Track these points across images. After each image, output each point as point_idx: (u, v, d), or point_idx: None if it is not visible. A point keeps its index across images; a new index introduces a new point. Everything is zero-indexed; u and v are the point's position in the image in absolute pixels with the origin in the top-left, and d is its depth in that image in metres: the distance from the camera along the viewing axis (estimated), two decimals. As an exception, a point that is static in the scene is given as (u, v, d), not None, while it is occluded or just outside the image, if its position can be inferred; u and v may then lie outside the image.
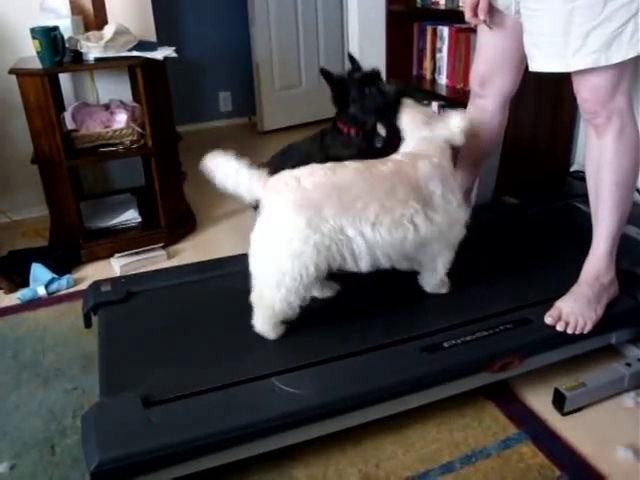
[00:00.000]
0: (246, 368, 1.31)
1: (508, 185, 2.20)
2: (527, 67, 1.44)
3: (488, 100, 1.69)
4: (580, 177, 2.18)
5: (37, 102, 2.05)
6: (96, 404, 1.24)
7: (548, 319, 1.44)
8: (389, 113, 1.58)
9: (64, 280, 2.06)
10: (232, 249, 1.92)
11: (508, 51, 1.57)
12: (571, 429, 1.35)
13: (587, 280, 1.47)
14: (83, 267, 2.20)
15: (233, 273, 1.66)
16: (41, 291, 2.00)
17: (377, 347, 1.37)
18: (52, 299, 1.99)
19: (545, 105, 2.27)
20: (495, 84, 1.65)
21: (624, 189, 1.40)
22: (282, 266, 1.29)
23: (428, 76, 2.82)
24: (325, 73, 1.75)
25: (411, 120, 1.52)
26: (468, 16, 1.51)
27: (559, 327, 1.42)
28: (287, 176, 1.32)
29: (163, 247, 2.26)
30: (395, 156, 1.47)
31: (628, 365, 1.42)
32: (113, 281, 1.75)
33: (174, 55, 2.20)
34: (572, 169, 2.43)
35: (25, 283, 2.06)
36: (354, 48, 2.84)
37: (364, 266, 1.36)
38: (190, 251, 2.31)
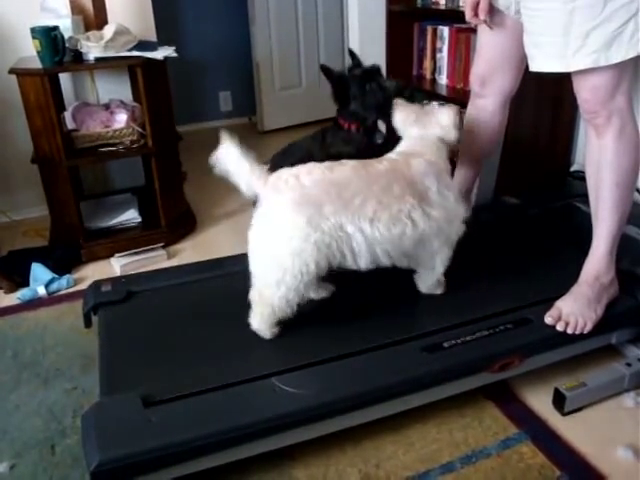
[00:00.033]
0: (246, 368, 1.31)
1: (508, 185, 2.20)
2: (527, 67, 1.44)
3: (488, 100, 1.69)
4: (580, 177, 2.18)
5: (37, 102, 2.05)
6: (96, 404, 1.24)
7: (548, 319, 1.44)
8: (390, 109, 1.58)
9: (64, 280, 2.06)
10: (232, 249, 1.92)
11: (508, 51, 1.57)
12: (571, 429, 1.35)
13: (587, 280, 1.47)
14: (83, 267, 2.20)
15: (233, 273, 1.66)
16: (41, 291, 2.00)
17: (377, 347, 1.37)
18: (52, 299, 1.99)
19: (545, 105, 2.27)
20: (495, 84, 1.65)
21: (624, 189, 1.40)
22: (282, 264, 1.29)
23: (428, 76, 2.83)
24: (325, 70, 1.75)
25: (404, 119, 1.52)
26: (468, 16, 1.51)
27: (559, 327, 1.42)
28: (286, 174, 1.33)
29: (163, 247, 2.26)
30: (390, 155, 1.48)
31: (628, 365, 1.42)
32: (113, 281, 1.75)
33: (174, 55, 2.20)
34: (572, 169, 2.43)
35: (25, 283, 2.06)
36: (354, 48, 2.84)
37: (363, 263, 1.36)
38: (190, 251, 2.31)
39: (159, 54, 2.13)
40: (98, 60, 2.08)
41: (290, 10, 3.67)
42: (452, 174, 1.83)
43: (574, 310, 1.43)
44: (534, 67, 1.40)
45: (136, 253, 2.17)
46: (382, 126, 1.82)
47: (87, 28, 2.20)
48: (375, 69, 1.76)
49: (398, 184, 1.36)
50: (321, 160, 1.39)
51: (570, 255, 1.68)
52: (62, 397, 1.51)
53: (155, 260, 2.18)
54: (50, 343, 1.74)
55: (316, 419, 1.23)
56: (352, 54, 1.84)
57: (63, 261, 2.16)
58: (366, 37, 2.85)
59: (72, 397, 1.51)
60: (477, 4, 1.48)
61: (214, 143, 1.32)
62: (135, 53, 2.11)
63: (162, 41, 2.38)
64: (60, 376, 1.59)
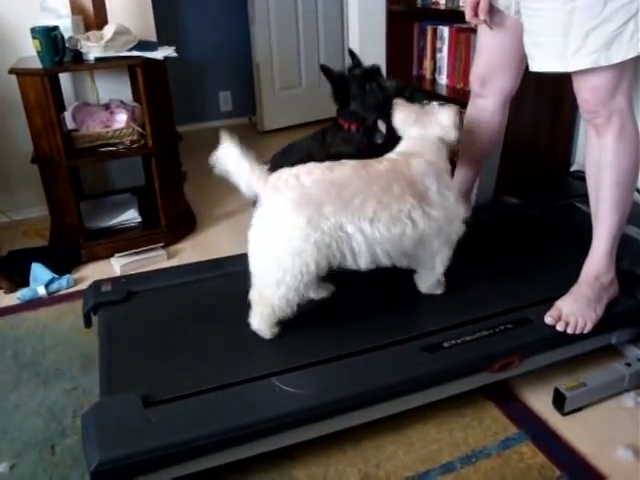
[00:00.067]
0: (246, 368, 1.31)
1: (508, 185, 2.20)
2: (527, 67, 1.45)
3: (488, 100, 1.69)
4: (580, 177, 2.18)
5: (37, 102, 2.05)
6: (96, 404, 1.24)
7: (548, 319, 1.44)
8: (390, 109, 1.58)
9: (64, 280, 2.06)
10: (232, 249, 1.92)
11: (508, 51, 1.57)
12: (571, 429, 1.35)
13: (587, 280, 1.47)
14: (83, 267, 2.20)
15: (233, 273, 1.66)
16: (41, 291, 2.00)
17: (377, 347, 1.37)
18: (52, 299, 1.99)
19: (545, 105, 2.27)
20: (495, 84, 1.65)
21: (624, 189, 1.40)
22: (282, 264, 1.29)
23: (428, 76, 2.82)
24: (325, 70, 1.75)
25: (404, 119, 1.52)
26: (468, 16, 1.51)
27: (559, 327, 1.42)
28: (286, 174, 1.33)
29: (163, 247, 2.26)
30: (390, 155, 1.48)
31: (628, 365, 1.42)
32: (113, 281, 1.75)
33: (174, 55, 2.20)
34: (572, 169, 2.43)
35: (25, 283, 2.06)
36: (355, 48, 2.84)
37: (363, 263, 1.36)
38: (190, 251, 2.31)
39: (159, 54, 2.13)
40: (98, 60, 2.08)
41: (290, 10, 3.67)
42: (452, 174, 1.84)
43: (574, 310, 1.43)
44: (534, 67, 1.40)
45: (136, 253, 2.17)
46: (382, 126, 1.82)
47: (87, 28, 2.20)
48: (375, 69, 1.76)
49: (398, 184, 1.36)
50: (321, 160, 1.39)
51: (570, 255, 1.68)
52: (62, 397, 1.51)
53: (155, 260, 2.18)
54: (50, 343, 1.74)
55: (316, 419, 1.23)
56: (352, 54, 1.84)
57: (63, 261, 2.16)
58: (366, 37, 2.85)
59: (72, 397, 1.51)
60: (477, 4, 1.48)
61: (214, 143, 1.32)
62: (135, 53, 2.11)
63: (162, 41, 2.38)
64: (60, 376, 1.59)
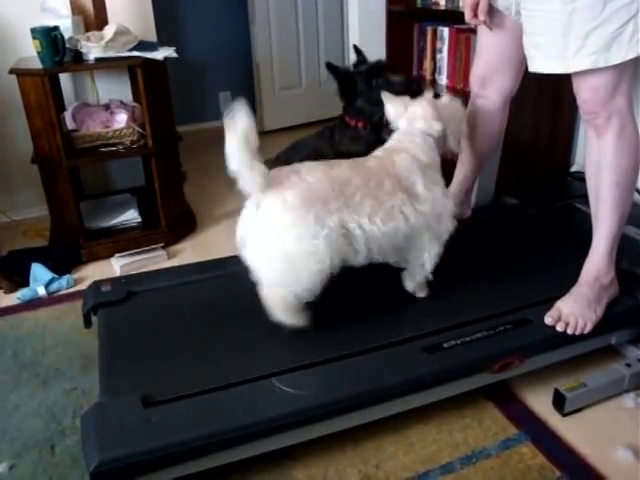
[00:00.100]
0: (246, 368, 1.31)
1: (508, 185, 2.20)
2: (527, 68, 1.44)
3: (488, 101, 1.69)
4: (580, 177, 2.17)
5: (37, 102, 2.05)
6: (96, 404, 1.24)
7: (548, 319, 1.44)
8: None
9: (64, 280, 2.06)
10: (232, 249, 1.91)
11: (508, 52, 1.57)
12: (571, 430, 1.35)
13: (587, 280, 1.47)
14: (83, 267, 2.20)
15: (233, 273, 1.65)
16: (41, 291, 2.00)
17: (377, 347, 1.37)
18: (52, 299, 1.99)
19: (545, 105, 2.27)
20: (495, 85, 1.65)
21: (624, 189, 1.40)
22: (297, 265, 1.27)
23: (428, 77, 2.82)
24: (331, 67, 1.74)
25: (395, 113, 1.52)
26: (468, 17, 1.51)
27: (559, 327, 1.42)
28: (288, 171, 1.32)
29: (163, 247, 2.26)
30: (376, 152, 1.48)
31: (628, 366, 1.43)
32: (113, 281, 1.75)
33: (174, 55, 2.20)
34: (572, 169, 2.43)
35: (25, 283, 2.06)
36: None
37: (361, 260, 1.37)
38: (190, 251, 2.31)
39: (159, 54, 2.13)
40: (98, 60, 2.08)
41: (290, 10, 3.67)
42: (452, 174, 1.84)
43: (574, 310, 1.43)
44: (534, 68, 1.40)
45: (136, 253, 2.17)
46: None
47: (87, 28, 2.20)
48: (381, 65, 1.75)
49: (389, 181, 1.37)
50: (330, 158, 1.38)
51: (570, 255, 1.68)
52: (62, 397, 1.51)
53: (155, 260, 2.18)
54: (50, 343, 1.74)
55: (316, 419, 1.23)
56: (357, 50, 1.83)
57: (63, 261, 2.16)
58: (366, 38, 2.85)
59: (72, 397, 1.51)
60: (477, 5, 1.48)
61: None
62: (135, 53, 2.11)
63: (162, 41, 2.39)
64: (60, 376, 1.59)
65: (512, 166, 2.19)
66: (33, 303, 1.97)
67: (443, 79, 2.72)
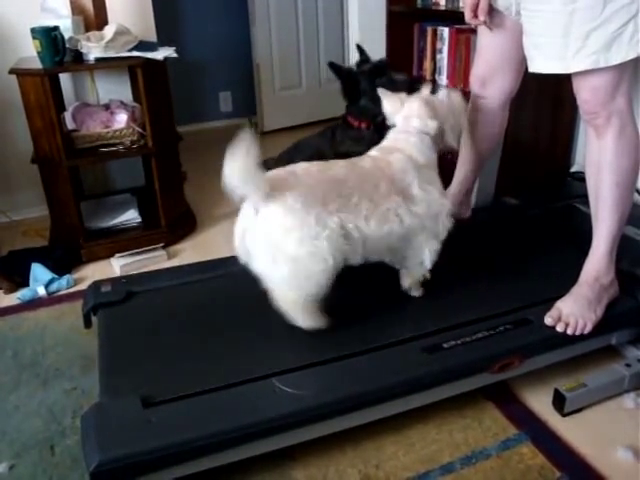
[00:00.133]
0: (246, 368, 1.31)
1: (508, 186, 2.20)
2: (527, 68, 1.44)
3: (488, 101, 1.69)
4: (580, 178, 2.17)
5: (37, 102, 2.05)
6: (96, 404, 1.24)
7: (548, 320, 1.44)
8: None
9: (64, 280, 2.06)
10: (232, 249, 1.92)
11: (508, 52, 1.57)
12: (571, 430, 1.35)
13: (587, 280, 1.47)
14: (83, 267, 2.20)
15: (233, 273, 1.65)
16: (41, 291, 2.00)
17: (377, 347, 1.37)
18: (52, 299, 1.99)
19: (545, 106, 2.27)
20: (495, 85, 1.65)
21: (624, 189, 1.40)
22: (303, 267, 1.27)
23: (428, 77, 2.82)
24: (334, 67, 1.74)
25: (392, 110, 1.51)
26: (468, 17, 1.51)
27: (559, 328, 1.42)
28: (285, 173, 1.32)
29: (163, 247, 2.26)
30: (371, 152, 1.47)
31: (628, 366, 1.43)
32: (113, 281, 1.75)
33: (174, 55, 2.20)
34: (572, 170, 2.43)
35: (25, 283, 2.06)
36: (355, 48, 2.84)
37: (358, 260, 1.37)
38: (190, 251, 2.31)
39: (159, 54, 2.13)
40: (98, 60, 2.08)
41: (290, 10, 3.67)
42: (452, 174, 1.84)
43: (574, 311, 1.43)
44: (534, 68, 1.40)
45: (136, 253, 2.17)
46: None
47: (87, 28, 2.20)
48: (384, 64, 1.75)
49: (384, 182, 1.37)
50: (331, 159, 1.38)
51: (570, 256, 1.68)
52: (62, 397, 1.51)
53: (155, 260, 2.18)
54: (50, 343, 1.74)
55: (316, 419, 1.23)
56: (360, 49, 1.82)
57: (63, 261, 2.16)
58: (366, 38, 2.85)
59: (72, 397, 1.51)
60: (477, 5, 1.48)
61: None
62: (135, 53, 2.11)
63: (162, 41, 2.39)
64: (60, 376, 1.59)
65: (512, 166, 2.19)
66: (33, 303, 1.97)
67: (443, 79, 2.72)
